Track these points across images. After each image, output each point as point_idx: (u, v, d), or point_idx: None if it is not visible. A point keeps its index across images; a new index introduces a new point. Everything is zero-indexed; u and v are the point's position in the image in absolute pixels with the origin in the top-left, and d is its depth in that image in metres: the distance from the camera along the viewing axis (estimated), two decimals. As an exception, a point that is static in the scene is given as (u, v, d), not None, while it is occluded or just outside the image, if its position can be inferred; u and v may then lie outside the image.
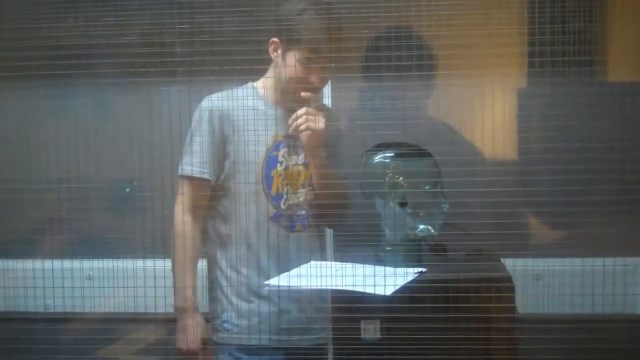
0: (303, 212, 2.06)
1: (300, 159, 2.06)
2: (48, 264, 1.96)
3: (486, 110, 1.91)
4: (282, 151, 2.05)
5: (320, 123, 1.95)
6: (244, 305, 2.01)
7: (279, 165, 2.04)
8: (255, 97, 2.06)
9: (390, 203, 1.89)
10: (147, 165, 2.06)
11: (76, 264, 2.31)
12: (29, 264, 2.14)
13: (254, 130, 1.98)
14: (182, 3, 1.86)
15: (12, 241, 2.47)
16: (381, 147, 1.92)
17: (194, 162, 2.00)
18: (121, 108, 2.41)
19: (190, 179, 2.02)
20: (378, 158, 1.92)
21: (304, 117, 1.96)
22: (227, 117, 2.01)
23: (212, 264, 2.08)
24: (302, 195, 2.06)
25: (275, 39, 2.00)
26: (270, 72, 2.07)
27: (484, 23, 1.80)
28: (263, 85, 2.09)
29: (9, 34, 1.95)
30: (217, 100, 2.02)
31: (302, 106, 1.96)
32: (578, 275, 1.77)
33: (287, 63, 1.98)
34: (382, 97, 2.16)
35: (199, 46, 1.84)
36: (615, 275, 1.65)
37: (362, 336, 1.74)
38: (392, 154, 1.91)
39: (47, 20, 1.91)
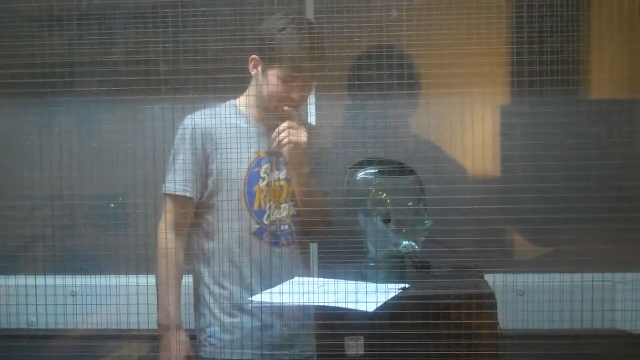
0: (286, 227, 2.08)
1: (282, 174, 2.08)
2: (31, 280, 1.95)
3: (468, 128, 1.93)
4: (264, 167, 2.07)
5: (302, 137, 1.98)
6: (228, 320, 2.02)
7: (261, 181, 2.06)
8: (237, 115, 2.08)
9: (374, 219, 1.90)
10: (131, 181, 2.07)
11: (60, 280, 2.30)
12: (12, 280, 2.13)
13: (236, 147, 2.00)
14: (164, 21, 1.87)
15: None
16: (364, 164, 1.93)
17: (177, 180, 2.02)
18: (106, 125, 2.41)
19: (174, 197, 2.03)
20: (361, 175, 1.93)
21: (286, 131, 1.98)
22: (210, 135, 2.03)
23: (197, 280, 2.09)
24: (285, 210, 2.08)
25: (255, 56, 2.03)
26: (250, 90, 2.09)
27: (466, 42, 1.83)
28: (244, 103, 2.11)
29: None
30: (199, 119, 2.03)
31: (283, 122, 1.98)
32: (558, 291, 1.78)
33: (267, 80, 2.00)
34: (364, 115, 2.18)
35: (182, 64, 1.85)
36: (595, 291, 1.67)
37: (345, 352, 1.75)
38: (375, 171, 1.92)
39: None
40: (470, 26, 1.79)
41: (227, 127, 2.00)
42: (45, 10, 1.92)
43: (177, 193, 2.03)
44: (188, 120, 2.04)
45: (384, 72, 1.76)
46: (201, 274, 2.07)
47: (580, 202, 1.81)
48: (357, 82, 1.99)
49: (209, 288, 2.05)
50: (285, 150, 2.00)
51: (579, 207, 1.82)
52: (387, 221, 1.89)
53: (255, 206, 2.05)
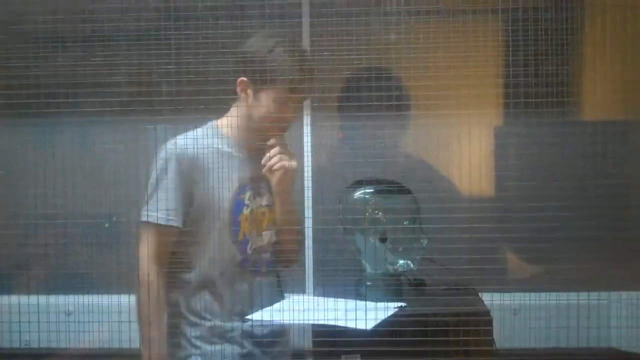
0: (267, 254, 2.01)
1: (264, 200, 2.01)
2: (25, 299, 1.94)
3: (464, 149, 1.95)
4: (248, 194, 1.98)
5: (293, 162, 1.93)
6: (209, 348, 1.94)
7: (245, 208, 1.97)
8: (219, 137, 1.97)
9: (370, 238, 1.91)
10: (126, 201, 2.06)
11: (53, 299, 2.29)
12: (5, 299, 2.12)
13: (220, 173, 1.90)
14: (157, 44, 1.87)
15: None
16: (360, 183, 1.95)
17: (161, 208, 1.89)
18: (101, 145, 2.42)
19: (157, 226, 1.90)
20: (358, 194, 1.95)
21: (278, 156, 1.92)
22: (194, 160, 1.92)
23: (176, 310, 1.97)
24: (267, 237, 2.01)
25: (244, 79, 1.93)
26: (234, 111, 1.99)
27: (461, 65, 1.85)
28: (226, 125, 1.99)
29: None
30: (182, 143, 1.92)
31: (269, 146, 1.93)
32: (554, 309, 1.80)
33: (259, 103, 1.92)
34: (359, 135, 2.20)
35: (174, 86, 1.85)
36: (590, 310, 1.68)
37: (342, 371, 1.75)
38: (372, 191, 1.94)
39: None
40: (466, 48, 1.82)
41: (212, 152, 1.91)
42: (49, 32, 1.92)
43: (160, 222, 1.89)
44: (170, 145, 1.91)
45: (379, 94, 1.78)
46: (179, 304, 1.95)
47: (574, 221, 1.83)
48: (352, 103, 2.01)
49: (186, 318, 1.95)
50: (275, 176, 1.94)
51: (573, 226, 1.84)
52: (383, 240, 1.90)
53: (240, 236, 1.96)
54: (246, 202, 1.97)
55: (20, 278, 2.30)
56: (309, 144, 2.32)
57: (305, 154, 2.30)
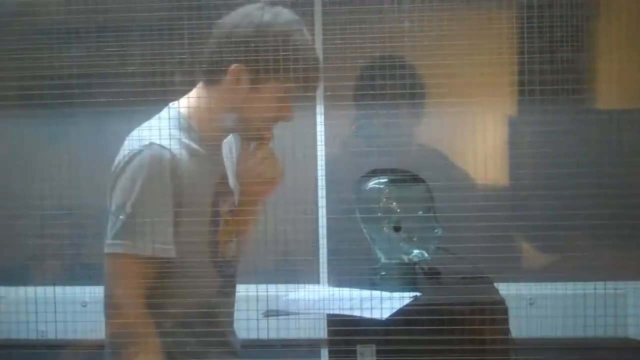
0: (234, 267, 1.74)
1: (227, 207, 1.67)
2: (41, 290, 1.95)
3: (479, 137, 1.95)
4: (223, 203, 1.64)
5: (280, 170, 1.64)
6: None
7: (221, 222, 1.63)
8: (188, 131, 1.58)
9: (384, 228, 1.91)
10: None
11: (70, 290, 2.31)
12: (22, 291, 2.14)
13: (201, 181, 1.55)
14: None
15: (7, 268, 2.46)
16: (375, 173, 1.95)
17: (158, 236, 1.49)
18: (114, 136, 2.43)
19: (144, 258, 1.48)
20: (372, 184, 1.94)
21: (269, 160, 1.62)
22: (179, 165, 1.53)
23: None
24: (232, 249, 1.70)
25: (240, 66, 1.55)
26: (207, 101, 1.59)
27: (475, 52, 1.84)
28: (195, 116, 1.59)
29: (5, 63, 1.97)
30: (166, 143, 1.50)
31: (256, 147, 1.63)
32: (571, 299, 1.79)
33: (255, 96, 1.56)
34: (373, 124, 2.19)
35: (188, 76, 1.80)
36: (607, 299, 1.67)
37: (357, 359, 1.75)
38: (386, 180, 1.93)
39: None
40: (480, 36, 1.81)
41: (188, 152, 1.53)
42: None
43: (158, 255, 1.49)
44: (156, 149, 1.49)
45: (392, 82, 1.77)
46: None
47: (590, 210, 1.82)
48: (366, 92, 2.00)
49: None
50: (258, 184, 1.61)
51: (589, 215, 1.83)
52: (398, 229, 1.90)
53: (221, 254, 1.65)
54: (222, 214, 1.65)
55: (35, 269, 2.32)
56: (322, 133, 2.32)
57: (319, 143, 2.29)
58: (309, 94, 1.65)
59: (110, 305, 1.54)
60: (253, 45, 1.52)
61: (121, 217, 1.50)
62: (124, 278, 1.51)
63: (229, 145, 1.74)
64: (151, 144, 1.52)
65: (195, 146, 1.59)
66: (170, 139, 1.53)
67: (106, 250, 1.53)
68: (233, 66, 1.55)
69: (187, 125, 1.60)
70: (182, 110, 1.61)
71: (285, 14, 1.59)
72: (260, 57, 1.52)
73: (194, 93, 1.64)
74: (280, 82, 1.54)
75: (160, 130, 1.53)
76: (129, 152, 1.53)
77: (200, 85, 1.64)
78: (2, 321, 2.04)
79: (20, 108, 1.95)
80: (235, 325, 1.77)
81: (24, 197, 2.33)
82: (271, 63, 1.51)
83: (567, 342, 1.81)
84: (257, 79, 1.55)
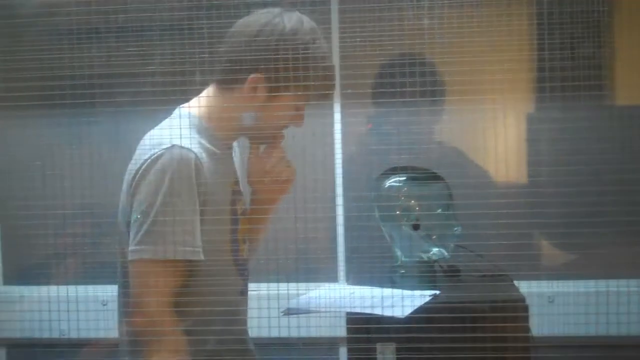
0: (247, 269, 1.74)
1: (241, 207, 1.69)
2: (63, 290, 1.97)
3: (498, 135, 1.94)
4: (237, 203, 1.66)
5: (294, 167, 1.66)
6: None
7: (240, 223, 1.66)
8: (205, 134, 1.59)
9: (403, 226, 1.91)
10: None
11: (91, 289, 2.32)
12: (43, 290, 2.15)
13: (219, 181, 1.56)
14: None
15: (29, 267, 2.49)
16: (393, 171, 1.94)
17: (187, 239, 1.49)
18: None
19: (175, 262, 1.49)
20: (391, 182, 1.94)
21: (281, 161, 1.63)
22: (200, 167, 1.52)
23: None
24: (245, 250, 1.71)
25: (259, 76, 1.55)
26: (217, 103, 1.60)
27: (494, 49, 1.83)
28: (205, 116, 1.60)
29: (25, 64, 1.99)
30: (189, 146, 1.50)
31: (270, 150, 1.64)
32: (593, 296, 1.78)
33: (271, 104, 1.57)
34: (391, 123, 2.19)
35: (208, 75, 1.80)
36: (630, 296, 1.66)
37: (377, 357, 1.75)
38: (405, 178, 1.93)
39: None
40: (499, 33, 1.80)
41: (208, 155, 1.54)
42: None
43: (188, 257, 1.50)
44: (185, 152, 1.49)
45: (411, 80, 1.76)
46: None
47: (610, 207, 1.81)
48: (383, 90, 2.00)
49: None
50: (272, 184, 1.63)
51: (610, 212, 1.82)
52: (416, 227, 1.89)
53: (240, 253, 1.67)
54: (239, 214, 1.66)
55: (57, 269, 2.33)
56: (340, 131, 2.32)
57: (336, 141, 2.30)
58: (323, 101, 1.67)
59: (139, 312, 1.53)
60: (272, 56, 1.53)
61: (147, 221, 1.49)
62: (153, 284, 1.51)
63: (238, 146, 1.75)
64: (173, 146, 1.50)
65: (211, 147, 1.59)
66: (190, 139, 1.52)
67: (132, 256, 1.52)
68: (251, 76, 1.56)
69: (201, 127, 1.60)
70: (193, 111, 1.61)
71: (304, 24, 1.58)
72: (279, 68, 1.52)
73: (205, 94, 1.64)
74: (298, 91, 1.55)
75: (180, 131, 1.53)
76: (150, 156, 1.52)
77: (213, 87, 1.65)
78: (25, 320, 2.06)
79: (39, 108, 1.96)
80: (255, 323, 1.78)
81: (45, 197, 2.35)
82: (290, 74, 1.52)
83: (588, 341, 1.80)
84: (275, 89, 1.55)
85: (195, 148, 1.53)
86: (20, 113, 2.12)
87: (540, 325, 1.83)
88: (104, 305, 2.30)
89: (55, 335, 2.05)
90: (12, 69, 1.91)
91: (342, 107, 2.28)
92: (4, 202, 2.52)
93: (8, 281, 2.56)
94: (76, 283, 2.07)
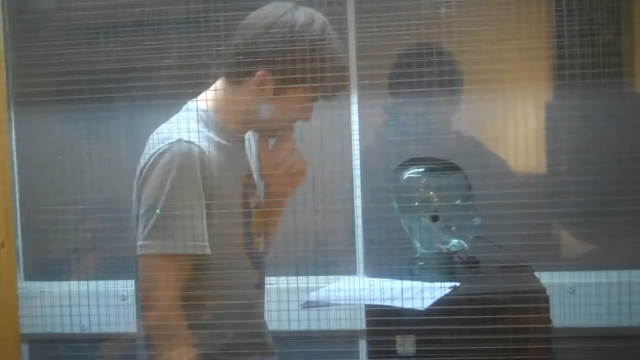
0: (262, 263, 1.72)
1: (254, 200, 1.68)
2: (83, 285, 1.98)
3: (518, 123, 1.92)
4: (250, 196, 1.65)
5: (306, 159, 1.65)
6: None
7: (253, 216, 1.65)
8: (215, 128, 1.58)
9: (422, 218, 1.90)
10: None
11: (111, 285, 2.34)
12: (64, 285, 2.17)
13: (231, 175, 1.56)
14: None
15: (49, 263, 2.51)
16: (413, 162, 1.93)
17: (196, 233, 1.49)
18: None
19: (182, 257, 1.49)
20: (409, 173, 1.93)
21: (293, 154, 1.62)
22: (208, 161, 1.52)
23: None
24: (261, 244, 1.70)
25: (267, 73, 1.54)
26: (226, 96, 1.60)
27: (512, 37, 1.81)
28: (213, 109, 1.59)
29: (42, 59, 1.99)
30: (195, 141, 1.50)
31: (281, 144, 1.63)
32: (613, 287, 1.76)
33: (280, 102, 1.56)
34: (410, 113, 2.18)
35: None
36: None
37: (397, 351, 1.75)
38: (423, 169, 1.92)
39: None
40: (517, 20, 1.78)
41: (217, 148, 1.54)
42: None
43: (198, 252, 1.50)
44: (192, 147, 1.49)
45: (428, 69, 1.75)
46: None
47: (630, 196, 1.79)
48: (400, 81, 1.98)
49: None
50: (285, 177, 1.62)
51: (630, 201, 1.80)
52: (436, 219, 1.88)
53: (255, 247, 1.66)
54: (252, 207, 1.66)
55: (77, 264, 2.35)
56: (357, 123, 2.31)
57: (354, 133, 2.29)
58: (331, 100, 1.65)
59: (148, 307, 1.54)
60: (280, 51, 1.52)
61: (154, 216, 1.49)
62: (160, 279, 1.51)
63: (249, 139, 1.74)
64: (179, 140, 1.50)
65: (221, 140, 1.59)
66: (198, 133, 1.52)
67: (139, 251, 1.53)
68: (259, 72, 1.55)
69: (210, 120, 1.59)
70: (201, 104, 1.61)
71: (315, 22, 1.56)
72: (287, 63, 1.52)
73: (214, 88, 1.64)
74: (305, 88, 1.54)
75: (188, 124, 1.53)
76: (156, 151, 1.52)
77: (222, 80, 1.64)
78: (46, 315, 2.07)
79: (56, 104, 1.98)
80: (275, 316, 1.78)
81: (65, 192, 2.36)
82: (297, 70, 1.51)
83: (610, 332, 1.78)
84: (282, 84, 1.54)
85: (202, 141, 1.52)
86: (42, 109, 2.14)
87: (561, 316, 1.82)
88: (123, 300, 2.31)
89: (77, 330, 2.07)
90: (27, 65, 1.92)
91: (360, 98, 2.27)
92: (24, 198, 2.54)
93: (29, 277, 2.57)
94: (96, 278, 2.09)
